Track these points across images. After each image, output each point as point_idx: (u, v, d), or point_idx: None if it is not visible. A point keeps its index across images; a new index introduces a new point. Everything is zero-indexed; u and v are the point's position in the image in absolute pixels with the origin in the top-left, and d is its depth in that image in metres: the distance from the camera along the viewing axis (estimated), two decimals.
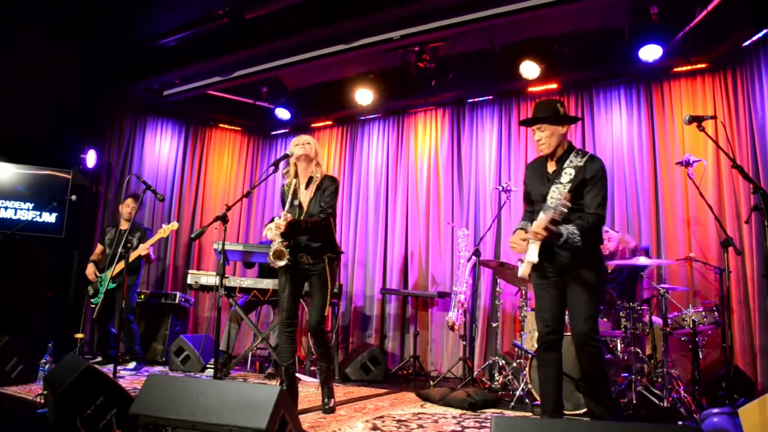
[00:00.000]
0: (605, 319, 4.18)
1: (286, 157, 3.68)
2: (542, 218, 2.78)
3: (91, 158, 6.43)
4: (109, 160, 6.74)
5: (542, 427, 1.91)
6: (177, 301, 5.96)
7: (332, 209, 3.49)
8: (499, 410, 3.84)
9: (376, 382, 5.05)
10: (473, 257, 5.05)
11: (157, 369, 5.38)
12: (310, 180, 3.54)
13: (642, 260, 4.02)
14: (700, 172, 4.52)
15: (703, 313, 4.10)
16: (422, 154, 6.55)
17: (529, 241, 2.84)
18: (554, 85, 5.90)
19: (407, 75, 5.83)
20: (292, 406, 2.39)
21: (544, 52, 5.30)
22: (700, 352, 4.02)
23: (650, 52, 4.86)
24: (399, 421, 3.32)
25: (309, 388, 4.43)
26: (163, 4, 5.37)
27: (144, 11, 5.44)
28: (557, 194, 2.89)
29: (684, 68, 5.31)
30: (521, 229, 3.03)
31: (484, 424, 3.29)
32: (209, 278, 5.04)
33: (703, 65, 5.25)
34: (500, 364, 4.73)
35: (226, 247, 4.41)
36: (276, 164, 3.65)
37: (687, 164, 4.23)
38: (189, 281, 5.09)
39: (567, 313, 3.00)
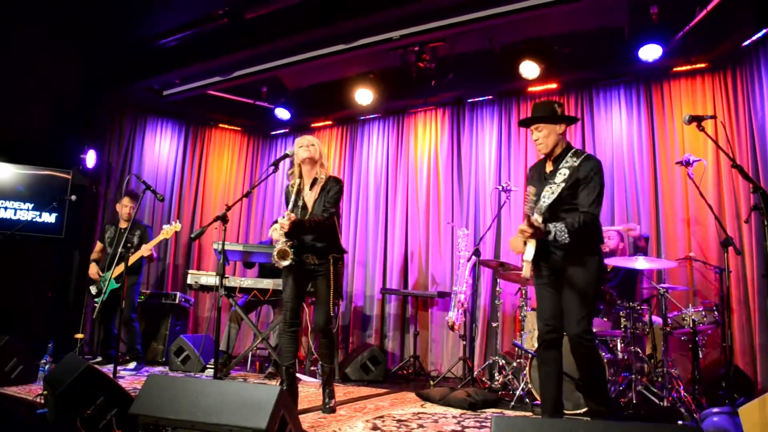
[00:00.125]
0: (605, 319, 4.18)
1: (286, 156, 3.73)
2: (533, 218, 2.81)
3: (90, 158, 6.43)
4: (109, 160, 6.74)
5: (542, 427, 1.91)
6: (177, 301, 5.96)
7: (336, 209, 3.51)
8: (499, 410, 3.84)
9: (376, 382, 5.05)
10: (473, 257, 5.05)
11: (157, 369, 5.38)
12: (314, 181, 3.56)
13: (640, 263, 4.01)
14: (700, 171, 4.52)
15: (703, 313, 4.10)
16: (422, 154, 6.55)
17: (527, 240, 2.85)
18: (554, 85, 5.90)
19: (407, 75, 5.83)
20: (292, 406, 2.39)
21: (544, 52, 5.30)
22: (700, 352, 4.02)
23: (650, 52, 4.86)
24: (399, 420, 3.32)
25: (309, 388, 4.44)
26: (163, 4, 5.37)
27: (144, 11, 5.43)
28: (549, 193, 2.91)
29: (684, 68, 5.31)
30: None
31: (484, 424, 3.29)
32: (209, 278, 5.04)
33: (703, 65, 5.25)
34: (500, 363, 4.73)
35: (226, 247, 4.41)
36: (276, 164, 3.67)
37: (687, 164, 4.23)
38: (189, 281, 5.09)
39: None
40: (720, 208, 4.89)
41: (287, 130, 7.59)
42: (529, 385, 3.92)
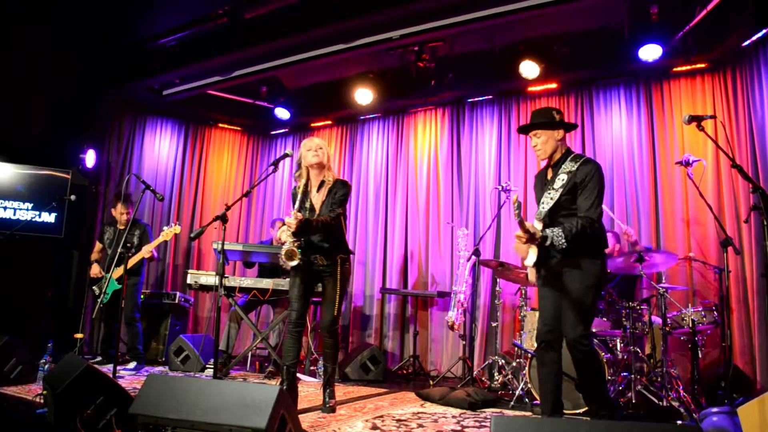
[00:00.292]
0: (605, 319, 4.19)
1: (286, 156, 3.79)
2: (532, 224, 2.83)
3: (90, 158, 6.43)
4: (109, 159, 6.74)
5: (542, 427, 1.91)
6: (177, 300, 5.96)
7: (342, 210, 3.55)
8: (498, 410, 3.85)
9: (375, 382, 5.05)
10: (473, 257, 5.05)
11: (157, 369, 5.38)
12: (321, 183, 3.60)
13: (639, 268, 4.04)
14: (700, 171, 4.52)
15: (703, 313, 4.11)
16: (422, 153, 6.55)
17: (529, 246, 2.88)
18: (554, 85, 5.89)
19: (407, 75, 5.83)
20: (291, 406, 2.39)
21: (544, 52, 5.30)
22: (699, 352, 4.02)
23: (650, 52, 4.85)
24: (399, 420, 3.32)
25: (309, 388, 4.44)
26: (163, 3, 5.36)
27: (144, 10, 5.43)
28: (549, 199, 2.92)
29: (684, 68, 5.31)
30: None
31: (483, 424, 3.29)
32: (209, 278, 5.04)
33: (702, 65, 5.25)
34: (500, 363, 4.73)
35: (226, 247, 4.41)
36: (275, 164, 3.69)
37: (686, 164, 4.23)
38: (189, 281, 5.08)
39: None
40: (719, 208, 4.89)
41: (287, 130, 7.59)
42: (529, 385, 3.92)
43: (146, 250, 5.22)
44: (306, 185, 3.60)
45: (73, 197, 5.48)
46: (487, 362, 5.20)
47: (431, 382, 5.06)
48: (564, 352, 3.01)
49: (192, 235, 3.62)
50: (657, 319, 4.15)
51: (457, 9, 4.84)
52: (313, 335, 5.46)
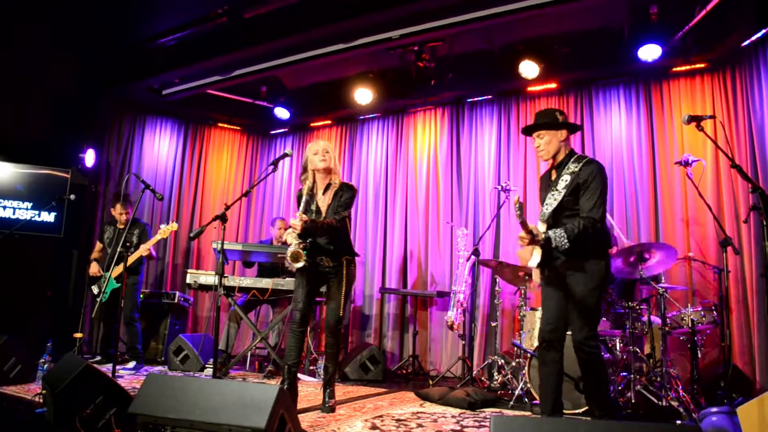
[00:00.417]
0: (604, 319, 4.19)
1: (286, 156, 3.85)
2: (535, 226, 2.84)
3: (90, 157, 6.43)
4: (108, 159, 6.74)
5: (541, 427, 1.91)
6: (176, 300, 5.96)
7: (348, 213, 3.59)
8: (498, 409, 3.85)
9: (375, 382, 5.05)
10: (472, 257, 5.05)
11: (157, 368, 5.38)
12: (327, 186, 3.63)
13: (639, 269, 4.03)
14: (699, 171, 4.52)
15: (702, 313, 4.10)
16: (421, 153, 6.55)
17: (533, 248, 2.89)
18: (553, 85, 5.89)
19: (406, 74, 5.83)
20: (291, 406, 2.39)
21: (543, 52, 5.30)
22: (698, 352, 4.02)
23: (649, 52, 4.85)
24: (398, 420, 3.32)
25: (308, 388, 4.44)
26: (163, 3, 5.36)
27: (143, 10, 5.43)
28: (552, 200, 2.93)
29: (683, 68, 5.31)
30: None
31: (483, 424, 3.29)
32: (208, 277, 5.04)
33: (702, 65, 5.25)
34: (499, 363, 4.73)
35: (225, 247, 4.41)
36: (275, 163, 3.71)
37: (686, 164, 4.23)
38: (188, 280, 5.08)
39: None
40: (719, 208, 4.89)
41: (287, 130, 7.59)
42: (528, 385, 3.92)
43: (144, 248, 5.22)
44: (312, 188, 3.64)
45: (72, 197, 5.48)
46: (486, 362, 5.20)
47: (431, 382, 5.06)
48: (566, 351, 3.00)
49: (191, 234, 3.63)
50: (656, 319, 4.15)
51: (457, 9, 4.84)
52: (313, 335, 5.46)
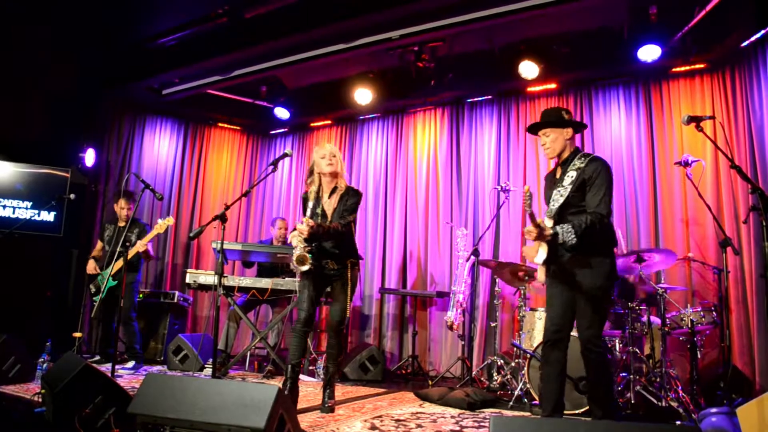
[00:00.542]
0: None
1: (285, 156, 3.88)
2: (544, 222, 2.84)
3: (89, 157, 6.42)
4: (108, 158, 6.73)
5: (541, 427, 1.91)
6: (175, 300, 5.96)
7: (353, 217, 3.63)
8: (497, 410, 3.85)
9: (374, 382, 5.05)
10: (472, 257, 5.05)
11: (156, 368, 5.38)
12: (333, 190, 3.65)
13: (638, 269, 4.04)
14: (699, 172, 4.52)
15: (702, 313, 4.11)
16: (421, 153, 6.55)
17: (539, 244, 2.89)
18: (553, 85, 5.89)
19: (406, 75, 5.84)
20: (290, 406, 2.39)
21: (543, 52, 5.30)
22: (698, 352, 4.03)
23: (649, 52, 4.85)
24: (397, 420, 3.32)
25: (308, 388, 4.43)
26: (163, 3, 5.36)
27: (144, 10, 5.43)
28: (558, 197, 2.93)
29: (683, 68, 5.31)
30: None
31: (482, 424, 3.29)
32: (208, 277, 5.04)
33: (701, 65, 5.25)
34: (499, 363, 4.73)
35: (225, 247, 4.40)
36: (275, 163, 3.72)
37: (685, 164, 4.23)
38: (187, 280, 5.09)
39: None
40: (718, 208, 4.89)
41: (286, 130, 7.59)
42: (528, 385, 3.92)
43: (141, 244, 5.21)
44: (317, 191, 3.66)
45: (72, 196, 5.48)
46: (486, 362, 5.20)
47: (430, 382, 5.06)
48: (569, 350, 3.00)
49: (191, 234, 3.64)
50: (656, 320, 4.15)
51: (457, 9, 4.85)
52: (312, 335, 5.46)
